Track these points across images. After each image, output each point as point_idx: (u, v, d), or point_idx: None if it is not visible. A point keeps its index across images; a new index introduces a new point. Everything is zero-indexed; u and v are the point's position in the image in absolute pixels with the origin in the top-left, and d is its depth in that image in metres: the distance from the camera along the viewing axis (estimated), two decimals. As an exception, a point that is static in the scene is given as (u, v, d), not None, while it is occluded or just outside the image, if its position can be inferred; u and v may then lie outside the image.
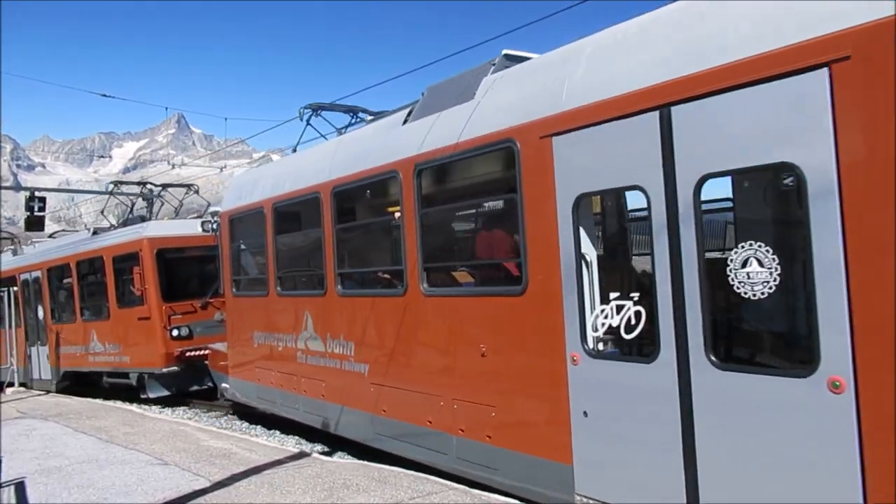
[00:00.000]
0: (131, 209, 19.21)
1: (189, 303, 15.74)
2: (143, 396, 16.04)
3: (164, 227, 16.30)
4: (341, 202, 9.29)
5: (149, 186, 19.52)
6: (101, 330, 17.28)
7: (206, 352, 14.44)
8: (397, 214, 8.04)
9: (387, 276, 9.15)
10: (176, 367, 15.32)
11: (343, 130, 11.22)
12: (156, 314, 15.41)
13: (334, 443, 10.57)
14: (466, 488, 7.30)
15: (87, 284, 18.13)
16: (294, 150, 11.75)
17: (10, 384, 21.00)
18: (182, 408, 15.65)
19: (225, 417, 13.97)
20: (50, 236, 23.95)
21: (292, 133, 15.32)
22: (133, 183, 19.71)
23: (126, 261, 16.05)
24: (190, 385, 15.86)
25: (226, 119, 33.26)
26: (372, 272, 9.59)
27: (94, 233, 18.27)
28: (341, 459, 9.24)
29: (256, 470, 8.36)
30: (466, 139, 6.95)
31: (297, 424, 11.58)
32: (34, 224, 18.07)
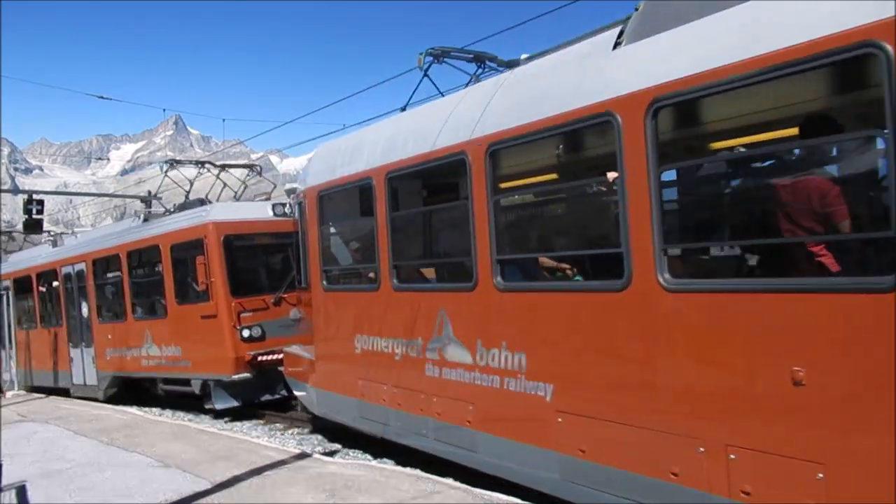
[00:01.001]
0: (188, 192, 16.20)
1: (260, 298, 13.43)
2: (207, 407, 13.94)
3: (230, 210, 13.93)
4: (503, 163, 7.28)
5: (207, 166, 16.54)
6: (156, 330, 14.90)
7: (281, 356, 12.09)
8: (611, 176, 5.85)
9: (586, 261, 6.75)
10: (248, 374, 13.06)
11: (477, 77, 8.89)
12: (223, 311, 13.11)
13: (335, 441, 10.58)
14: (468, 487, 7.30)
15: (140, 277, 15.85)
16: (403, 110, 9.28)
17: (10, 387, 20.97)
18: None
19: (226, 419, 13.84)
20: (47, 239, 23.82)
21: (291, 134, 15.00)
22: (191, 162, 16.54)
23: (187, 249, 13.77)
24: (261, 394, 13.68)
25: (223, 120, 33.38)
26: (566, 257, 6.90)
27: (145, 219, 15.89)
28: (343, 460, 9.23)
29: (258, 471, 8.35)
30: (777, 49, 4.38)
31: (297, 425, 11.57)
32: (32, 227, 18.04)
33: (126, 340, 15.87)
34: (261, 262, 14.44)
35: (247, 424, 13.08)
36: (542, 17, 10.58)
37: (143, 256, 15.48)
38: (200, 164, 16.52)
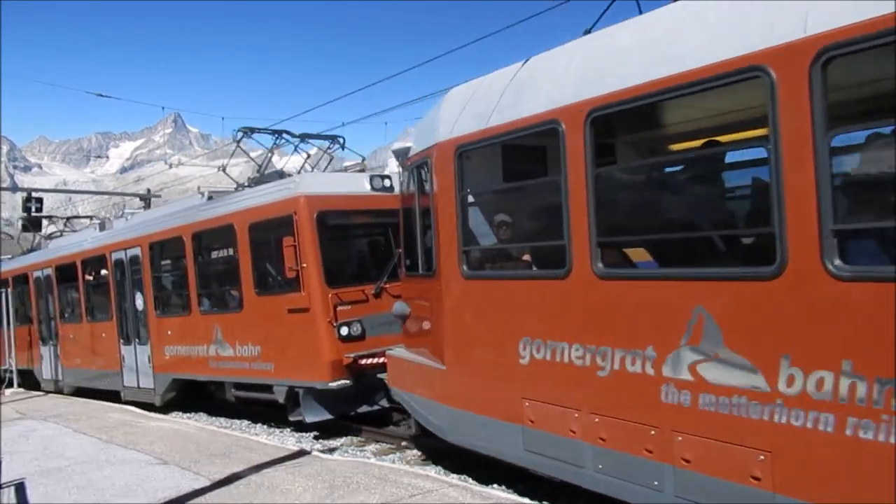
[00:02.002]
0: (267, 162, 14.10)
1: (359, 289, 11.10)
2: (292, 419, 11.36)
3: (323, 182, 11.56)
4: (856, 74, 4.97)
5: (285, 136, 14.24)
6: (229, 325, 12.51)
7: (383, 359, 9.99)
8: None
9: None
10: (347, 381, 10.63)
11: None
12: (318, 304, 10.69)
13: (334, 437, 10.59)
14: (467, 485, 7.31)
15: (209, 264, 13.71)
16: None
17: (10, 385, 20.93)
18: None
19: (224, 416, 13.85)
20: (48, 237, 23.61)
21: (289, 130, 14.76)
22: (266, 130, 14.13)
23: (271, 229, 11.39)
24: (357, 405, 11.27)
25: (222, 118, 33.32)
26: None
27: (210, 197, 13.55)
28: (341, 457, 9.24)
29: (256, 468, 8.36)
30: None
31: (298, 424, 11.55)
32: (31, 225, 18.03)
33: (190, 337, 13.52)
34: (358, 245, 12.39)
35: (245, 422, 13.09)
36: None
37: (214, 239, 13.15)
38: (278, 133, 14.00)
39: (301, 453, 9.22)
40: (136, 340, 15.31)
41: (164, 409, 14.64)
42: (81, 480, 8.47)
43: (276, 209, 11.26)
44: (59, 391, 19.03)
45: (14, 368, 21.26)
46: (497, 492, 7.27)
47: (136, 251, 15.07)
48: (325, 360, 10.54)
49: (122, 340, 15.91)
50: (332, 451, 9.83)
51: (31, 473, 8.93)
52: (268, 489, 7.46)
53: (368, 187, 11.48)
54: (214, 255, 13.58)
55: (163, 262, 14.74)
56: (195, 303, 13.32)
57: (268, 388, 11.72)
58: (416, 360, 8.22)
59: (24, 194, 18.57)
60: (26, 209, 17.96)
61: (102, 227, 17.65)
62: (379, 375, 10.38)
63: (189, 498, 7.35)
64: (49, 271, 19.24)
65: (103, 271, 16.61)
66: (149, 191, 20.98)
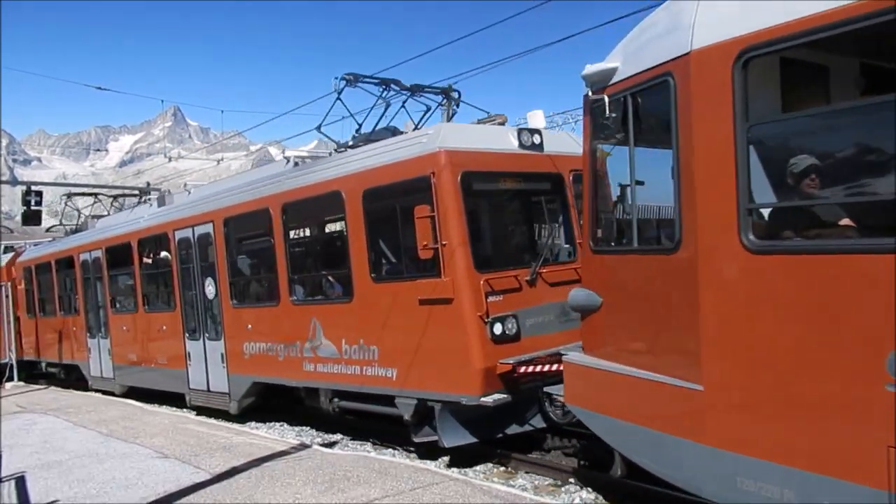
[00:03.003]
0: (428, 113, 11.01)
1: (512, 275, 8.52)
2: (419, 440, 8.87)
3: (465, 135, 8.76)
4: None
5: (394, 87, 10.67)
6: (333, 319, 9.93)
7: (556, 367, 7.58)
8: None
9: None
10: (506, 396, 8.07)
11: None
12: (466, 294, 8.08)
13: (333, 431, 10.59)
14: (468, 478, 7.32)
15: (304, 243, 11.68)
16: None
17: (10, 378, 20.93)
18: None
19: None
20: (48, 230, 23.51)
21: (289, 126, 14.78)
22: (372, 80, 10.51)
23: (396, 197, 8.80)
24: (507, 425, 8.72)
25: (222, 112, 33.17)
26: None
27: (295, 163, 11.25)
28: (342, 451, 9.25)
29: (257, 462, 8.37)
30: None
31: (298, 415, 11.55)
32: (31, 218, 18.01)
33: (278, 333, 10.94)
34: (508, 218, 9.83)
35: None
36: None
37: (312, 211, 10.72)
38: (386, 84, 10.57)
39: (301, 447, 9.23)
40: (206, 335, 12.72)
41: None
42: (82, 474, 8.48)
43: (403, 170, 8.68)
44: (110, 392, 16.57)
45: (13, 361, 21.25)
46: (497, 485, 7.28)
47: (207, 228, 12.43)
48: (476, 366, 7.96)
49: (187, 335, 13.31)
50: (331, 445, 9.83)
51: (32, 467, 8.95)
52: (268, 483, 7.46)
53: (515, 144, 8.93)
54: (312, 231, 11.62)
55: (241, 242, 12.41)
56: (285, 291, 10.69)
57: (385, 400, 9.10)
58: (624, 371, 5.82)
59: (24, 188, 18.49)
60: (26, 202, 17.88)
61: (162, 201, 14.80)
62: (547, 389, 7.76)
63: (190, 491, 7.36)
64: (98, 253, 16.55)
65: (164, 253, 14.12)
66: (148, 184, 20.92)
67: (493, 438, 8.64)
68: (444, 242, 8.13)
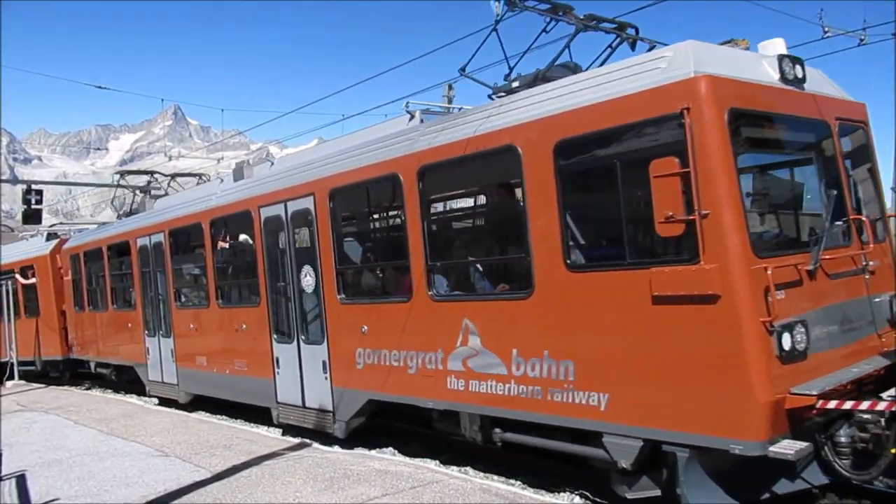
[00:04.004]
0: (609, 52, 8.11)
1: (792, 262, 6.05)
2: (631, 496, 6.47)
3: (720, 57, 6.25)
4: None
5: (563, 16, 8.13)
6: (497, 320, 7.36)
7: (876, 404, 5.56)
8: None
9: None
10: (807, 445, 5.53)
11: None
12: (742, 289, 5.59)
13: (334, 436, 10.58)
14: (468, 476, 7.33)
15: (450, 218, 10.09)
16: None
17: (11, 377, 20.91)
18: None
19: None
20: (49, 227, 23.37)
21: (289, 124, 14.00)
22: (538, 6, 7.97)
23: (618, 146, 6.37)
24: (768, 481, 6.13)
25: (222, 110, 33.25)
26: None
27: (421, 120, 8.71)
28: (342, 449, 9.25)
29: (257, 461, 8.38)
30: None
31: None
32: (31, 217, 18.00)
33: (409, 338, 8.37)
34: (782, 182, 7.30)
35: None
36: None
37: (465, 174, 8.57)
38: (555, 9, 7.84)
39: (302, 445, 9.25)
40: (302, 337, 10.10)
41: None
42: (82, 472, 8.49)
43: (628, 109, 6.17)
44: (172, 400, 14.04)
45: (14, 360, 21.19)
46: (497, 483, 7.29)
47: (306, 204, 9.84)
48: (760, 398, 5.45)
49: (275, 336, 10.65)
50: (332, 443, 9.84)
51: (32, 465, 8.95)
52: (269, 481, 7.47)
53: (775, 76, 6.53)
54: (466, 202, 9.83)
55: (354, 219, 10.49)
56: (421, 283, 8.10)
57: (582, 436, 6.68)
58: None
59: (24, 186, 18.47)
60: (26, 201, 17.86)
61: (239, 174, 12.22)
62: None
63: (190, 489, 7.38)
64: (160, 237, 13.88)
65: (243, 236, 11.77)
66: (149, 183, 20.90)
67: (756, 501, 6.13)
68: (704, 212, 5.61)
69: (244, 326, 11.44)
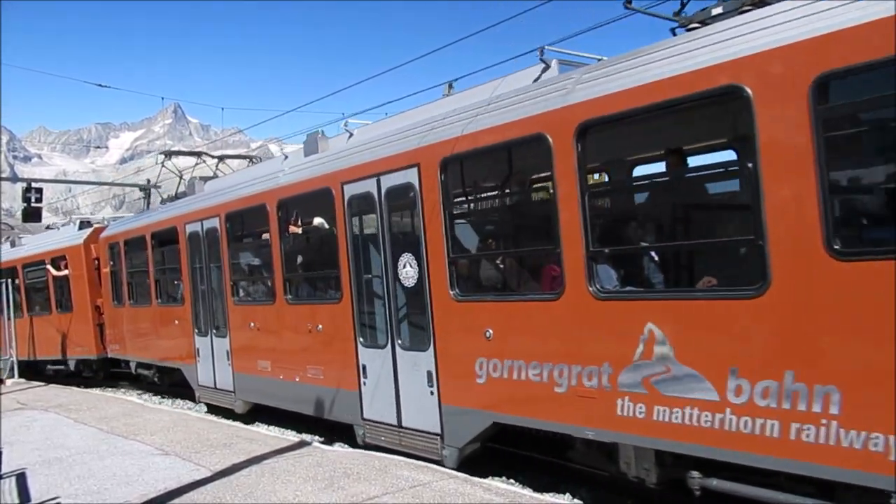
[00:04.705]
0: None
1: None
2: None
3: None
4: None
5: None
6: (702, 327, 5.44)
7: None
8: None
9: None
10: None
11: None
12: None
13: (333, 432, 10.60)
14: (467, 476, 7.32)
15: (622, 190, 7.91)
16: None
17: (11, 375, 20.89)
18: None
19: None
20: (47, 227, 23.29)
21: (289, 123, 13.90)
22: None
23: None
24: None
25: (222, 109, 33.34)
26: None
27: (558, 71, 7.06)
28: (342, 448, 9.25)
29: (257, 459, 8.38)
30: None
31: (297, 415, 11.57)
32: (31, 215, 18.01)
33: (557, 347, 6.54)
34: None
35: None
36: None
37: (649, 128, 6.93)
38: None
39: (301, 444, 9.24)
40: (398, 341, 8.34)
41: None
42: (82, 470, 8.49)
43: None
44: (227, 409, 12.25)
45: (15, 358, 21.14)
46: (497, 483, 7.29)
47: (406, 177, 8.11)
48: None
49: (361, 339, 8.93)
50: (332, 443, 9.85)
51: (33, 463, 8.96)
52: (269, 480, 7.48)
53: None
54: (653, 168, 7.88)
55: (470, 198, 8.55)
56: (579, 275, 6.21)
57: (829, 488, 4.93)
58: None
59: (24, 184, 18.46)
60: (26, 199, 17.85)
61: (312, 146, 10.16)
62: None
63: (191, 488, 7.38)
64: (214, 222, 12.05)
65: (318, 219, 10.16)
66: (149, 181, 20.89)
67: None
68: None
69: (320, 327, 9.66)
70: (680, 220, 6.73)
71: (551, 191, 6.43)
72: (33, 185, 17.79)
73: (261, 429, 11.06)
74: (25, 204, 17.78)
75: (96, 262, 17.82)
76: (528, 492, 6.95)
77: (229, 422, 11.70)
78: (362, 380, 8.86)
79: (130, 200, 19.03)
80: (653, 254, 6.32)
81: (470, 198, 8.49)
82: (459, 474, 7.47)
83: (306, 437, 10.21)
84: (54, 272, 18.91)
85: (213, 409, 12.92)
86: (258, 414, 12.27)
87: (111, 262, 16.70)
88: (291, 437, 10.19)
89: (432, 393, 7.79)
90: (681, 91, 5.40)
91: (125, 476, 8.08)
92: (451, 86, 9.24)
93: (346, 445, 9.68)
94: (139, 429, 10.99)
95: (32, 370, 20.94)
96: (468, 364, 7.32)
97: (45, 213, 19.53)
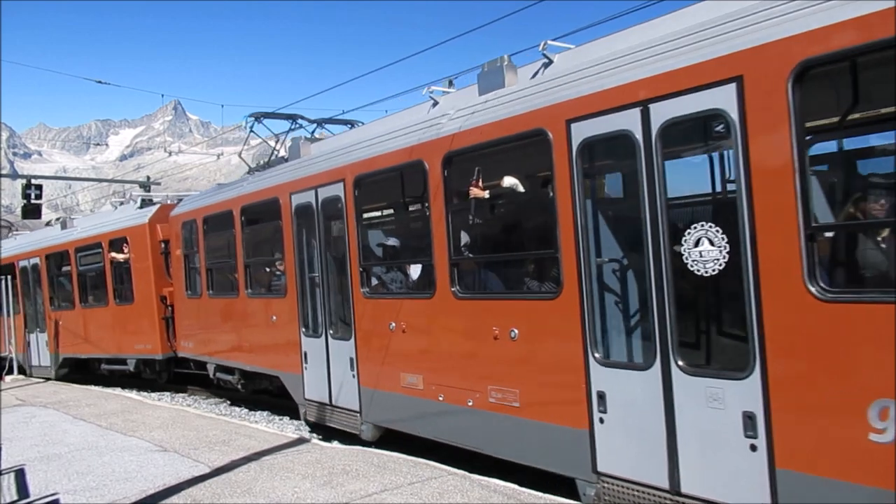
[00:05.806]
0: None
1: None
2: None
3: None
4: None
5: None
6: None
7: None
8: None
9: None
10: None
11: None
12: None
13: (333, 431, 10.60)
14: (466, 473, 7.33)
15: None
16: None
17: (10, 372, 20.90)
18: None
19: (224, 404, 13.88)
20: (52, 221, 23.20)
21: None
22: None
23: None
24: None
25: (222, 106, 33.25)
26: None
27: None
28: (341, 445, 9.25)
29: (256, 456, 8.38)
30: None
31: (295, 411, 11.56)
32: (31, 212, 18.01)
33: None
34: None
35: (244, 410, 13.10)
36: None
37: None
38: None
39: (300, 441, 9.25)
40: (678, 361, 5.25)
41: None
42: (81, 467, 8.49)
43: None
44: (350, 433, 9.46)
45: (14, 355, 21.15)
46: (496, 480, 7.28)
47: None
48: None
49: (596, 354, 5.93)
50: (330, 439, 9.85)
51: (31, 459, 8.96)
52: (267, 476, 7.48)
53: None
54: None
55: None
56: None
57: None
58: None
59: (24, 181, 18.49)
60: (26, 196, 17.87)
61: (490, 81, 7.37)
62: None
63: (189, 484, 7.38)
64: (336, 189, 9.25)
65: (509, 179, 7.41)
66: (148, 178, 20.92)
67: None
68: None
69: (516, 332, 6.70)
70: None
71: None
72: (33, 181, 17.82)
73: (259, 426, 11.06)
74: (25, 200, 17.78)
75: (162, 245, 15.30)
76: (527, 490, 6.94)
77: (227, 418, 11.70)
78: (595, 412, 5.92)
79: (130, 198, 18.81)
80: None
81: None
82: (459, 471, 7.48)
83: (305, 434, 10.22)
84: (116, 256, 16.07)
85: (318, 428, 10.38)
86: (257, 406, 12.27)
87: (185, 245, 13.88)
88: (290, 433, 10.19)
89: (753, 449, 4.74)
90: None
91: (124, 472, 8.09)
92: (451, 82, 9.23)
93: (345, 442, 9.69)
94: (138, 425, 10.99)
95: (81, 370, 18.55)
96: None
97: (44, 210, 19.55)
